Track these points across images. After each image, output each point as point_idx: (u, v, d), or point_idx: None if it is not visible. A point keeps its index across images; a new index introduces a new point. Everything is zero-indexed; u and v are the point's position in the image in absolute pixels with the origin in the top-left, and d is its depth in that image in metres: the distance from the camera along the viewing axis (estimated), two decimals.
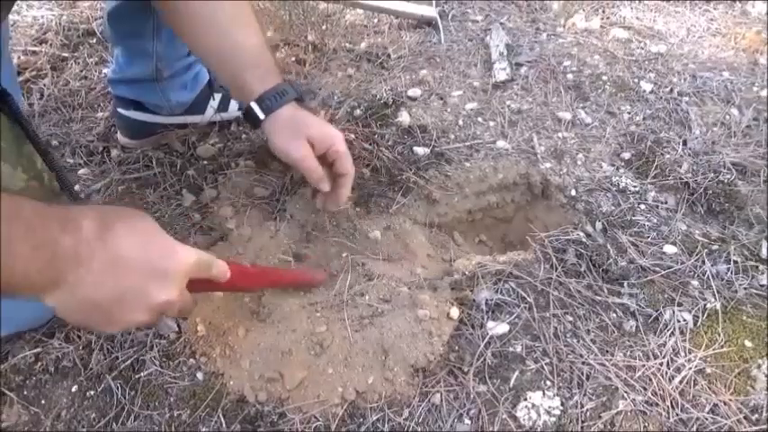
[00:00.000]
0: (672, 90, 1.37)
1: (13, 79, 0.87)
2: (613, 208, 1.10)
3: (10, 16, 1.59)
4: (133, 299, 0.57)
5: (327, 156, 0.85)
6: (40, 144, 0.71)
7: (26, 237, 0.50)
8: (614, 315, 0.92)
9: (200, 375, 0.83)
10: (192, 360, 0.84)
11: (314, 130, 0.84)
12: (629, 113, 1.30)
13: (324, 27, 1.49)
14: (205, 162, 1.16)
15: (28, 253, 0.50)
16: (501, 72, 1.36)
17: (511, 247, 1.20)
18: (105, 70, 1.39)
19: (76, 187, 1.12)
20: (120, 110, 1.16)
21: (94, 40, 1.50)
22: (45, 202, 0.54)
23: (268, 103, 0.84)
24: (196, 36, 0.86)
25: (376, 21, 1.61)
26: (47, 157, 0.72)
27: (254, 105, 0.84)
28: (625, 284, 0.96)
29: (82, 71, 1.41)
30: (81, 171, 1.16)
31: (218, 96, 1.20)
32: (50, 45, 1.47)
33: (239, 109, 0.87)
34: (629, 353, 0.88)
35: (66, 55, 1.46)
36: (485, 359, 0.85)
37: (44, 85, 1.36)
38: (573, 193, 1.13)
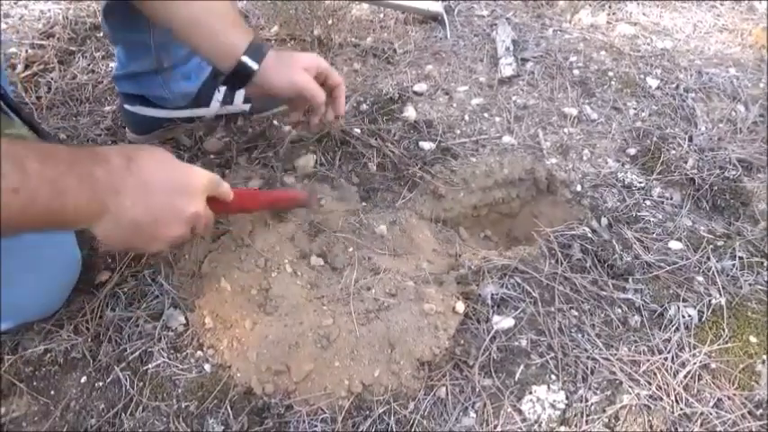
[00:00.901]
0: (678, 86, 1.37)
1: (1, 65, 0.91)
2: (619, 204, 1.10)
3: (17, 9, 1.60)
4: (167, 214, 0.66)
5: (318, 76, 0.94)
6: (13, 105, 0.76)
7: (70, 172, 0.57)
8: (619, 310, 0.93)
9: (207, 367, 0.83)
10: (199, 352, 0.85)
11: (303, 58, 0.93)
12: (635, 109, 1.30)
13: (330, 22, 1.49)
14: (212, 156, 1.16)
15: (76, 186, 0.58)
16: (507, 67, 1.36)
17: (516, 242, 1.20)
18: (112, 64, 1.40)
19: None
20: (126, 106, 1.17)
21: (101, 34, 1.50)
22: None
23: (257, 53, 0.89)
24: (167, 8, 0.88)
25: (382, 16, 1.61)
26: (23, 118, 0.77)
27: (245, 59, 0.89)
28: (630, 280, 0.97)
29: (89, 65, 1.42)
30: None
31: (222, 89, 1.21)
32: (58, 39, 1.48)
33: (225, 82, 0.92)
34: (633, 348, 0.88)
35: (73, 49, 1.46)
36: (490, 353, 0.86)
37: (51, 78, 1.36)
38: (578, 188, 1.13)
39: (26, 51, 1.44)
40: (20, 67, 1.40)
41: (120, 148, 0.66)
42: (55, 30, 1.52)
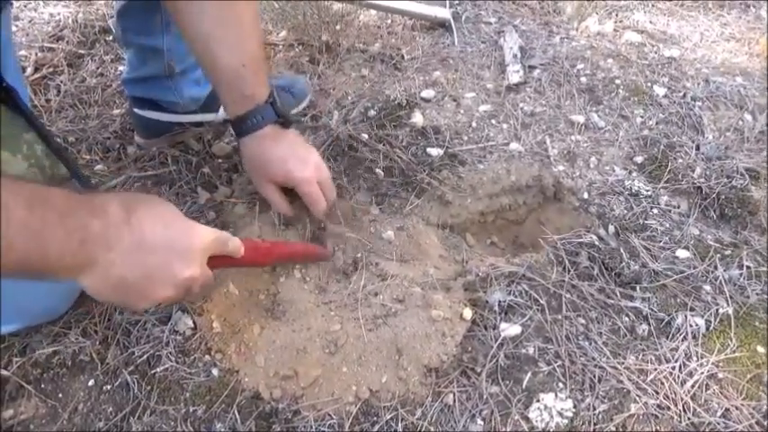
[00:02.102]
0: (685, 95, 1.37)
1: (17, 71, 0.89)
2: (626, 212, 1.10)
3: (27, 12, 1.61)
4: (160, 276, 0.62)
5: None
6: (45, 133, 0.74)
7: (60, 222, 0.54)
8: (627, 319, 0.93)
9: (215, 371, 0.84)
10: (207, 356, 0.85)
11: (277, 172, 0.89)
12: (642, 117, 1.30)
13: (338, 27, 1.49)
14: (220, 160, 1.17)
15: (62, 237, 0.54)
16: (514, 74, 1.37)
17: (522, 249, 1.20)
18: (121, 68, 1.40)
19: (92, 182, 1.13)
20: (135, 110, 1.17)
21: (111, 38, 1.51)
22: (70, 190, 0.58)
23: (239, 129, 0.88)
24: (187, 39, 0.86)
25: (389, 22, 1.62)
26: (52, 146, 0.74)
27: (232, 125, 0.89)
28: (638, 288, 0.97)
29: (98, 68, 1.42)
30: (97, 167, 1.17)
31: None
32: (67, 42, 1.49)
33: None
34: (641, 356, 0.88)
35: (82, 52, 1.47)
36: (497, 360, 0.86)
37: (61, 81, 1.37)
38: (585, 196, 1.13)
39: (35, 54, 1.45)
40: (29, 70, 1.41)
41: (122, 198, 0.62)
42: (64, 33, 1.53)
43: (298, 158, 0.90)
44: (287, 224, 1.00)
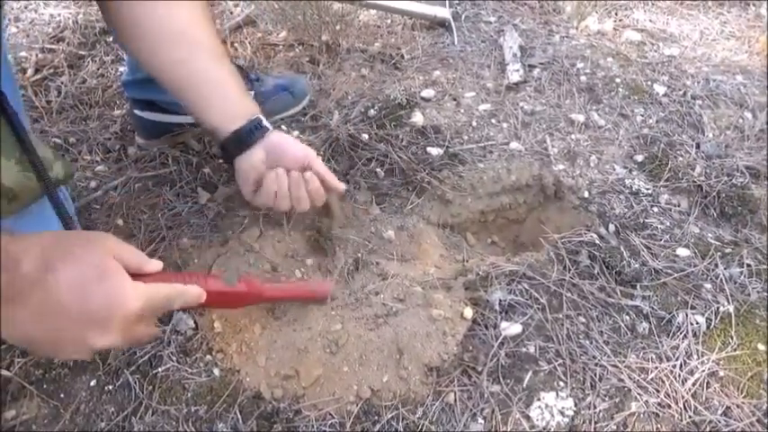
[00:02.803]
0: (685, 93, 1.37)
1: (9, 74, 0.88)
2: (626, 210, 1.10)
3: (27, 13, 1.61)
4: (70, 343, 0.57)
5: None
6: (25, 140, 0.69)
7: None
8: (627, 317, 0.93)
9: (216, 371, 0.84)
10: (208, 356, 0.85)
11: (297, 153, 0.89)
12: (643, 116, 1.30)
13: (337, 27, 1.49)
14: (220, 160, 1.17)
15: None
16: (514, 74, 1.37)
17: (523, 248, 1.20)
18: (122, 69, 1.41)
19: (93, 183, 1.14)
20: (135, 111, 1.17)
21: (111, 39, 1.51)
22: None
23: (228, 151, 0.87)
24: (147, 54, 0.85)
25: (389, 21, 1.62)
26: (29, 154, 0.70)
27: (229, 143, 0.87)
28: (638, 287, 0.97)
29: (99, 69, 1.43)
30: (98, 168, 1.18)
31: None
32: (68, 43, 1.49)
33: None
34: (641, 355, 0.88)
35: (83, 53, 1.47)
36: (498, 359, 0.86)
37: (61, 82, 1.37)
38: (586, 194, 1.13)
39: (36, 55, 1.45)
40: (30, 71, 1.41)
41: (46, 248, 0.55)
42: (65, 34, 1.53)
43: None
44: (292, 228, 1.00)
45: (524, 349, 0.88)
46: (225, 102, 0.86)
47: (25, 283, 0.53)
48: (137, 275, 0.60)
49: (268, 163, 0.87)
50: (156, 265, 0.64)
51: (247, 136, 0.86)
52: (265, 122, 0.88)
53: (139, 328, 0.60)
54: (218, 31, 0.89)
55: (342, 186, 0.94)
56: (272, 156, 0.87)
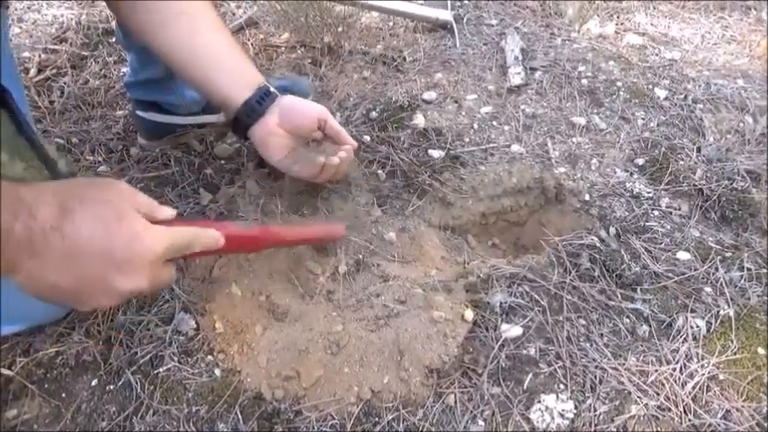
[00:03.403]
0: (686, 97, 1.38)
1: (14, 73, 0.88)
2: (627, 213, 1.11)
3: (30, 14, 1.62)
4: (96, 288, 0.55)
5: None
6: (32, 136, 0.69)
7: None
8: (627, 320, 0.93)
9: (217, 372, 0.84)
10: (209, 357, 0.85)
11: (313, 111, 0.89)
12: (644, 119, 1.31)
13: (340, 29, 1.50)
14: (222, 162, 1.17)
15: None
16: (516, 76, 1.37)
17: (524, 250, 1.21)
18: (124, 69, 1.41)
19: None
20: (138, 112, 1.18)
21: (114, 40, 1.52)
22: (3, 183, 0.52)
23: (241, 122, 0.88)
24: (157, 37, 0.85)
25: (391, 24, 1.63)
26: (37, 150, 0.70)
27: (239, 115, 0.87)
28: (638, 290, 0.97)
29: (101, 70, 1.43)
30: (100, 168, 1.18)
31: None
32: (70, 44, 1.49)
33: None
34: (642, 358, 0.88)
35: (85, 54, 1.48)
36: (499, 361, 0.86)
37: (64, 83, 1.38)
38: (587, 197, 1.14)
39: (39, 56, 1.46)
40: (33, 72, 1.41)
41: (60, 194, 0.53)
42: (68, 35, 1.53)
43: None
44: (298, 213, 1.00)
45: (525, 351, 0.88)
46: (231, 73, 0.87)
47: (42, 233, 0.51)
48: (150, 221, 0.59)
49: (283, 125, 0.88)
50: (167, 212, 0.62)
51: (258, 104, 0.86)
52: (273, 89, 0.88)
53: (162, 270, 0.59)
54: None
55: (355, 144, 0.95)
56: (286, 118, 0.88)
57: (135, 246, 0.55)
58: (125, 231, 0.55)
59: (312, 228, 0.90)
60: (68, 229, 0.52)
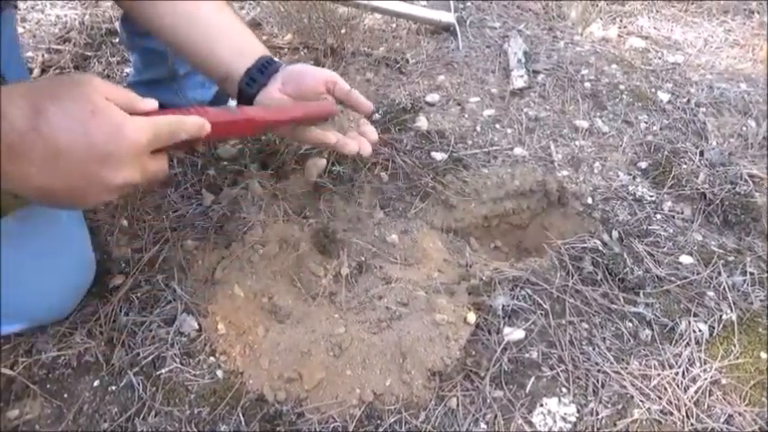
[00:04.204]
0: (689, 100, 1.38)
1: (22, 71, 0.86)
2: (630, 217, 1.11)
3: (34, 14, 1.62)
4: (88, 186, 0.54)
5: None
6: None
7: None
8: (630, 324, 0.93)
9: (219, 373, 0.84)
10: (212, 358, 0.85)
11: (323, 73, 0.83)
12: (647, 123, 1.31)
13: (343, 31, 1.50)
14: (225, 163, 1.17)
15: None
16: (519, 79, 1.37)
17: (526, 253, 1.20)
18: (127, 70, 1.41)
19: None
20: None
21: (117, 40, 1.52)
22: None
23: (245, 95, 0.83)
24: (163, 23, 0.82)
25: (394, 26, 1.63)
26: None
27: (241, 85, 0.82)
28: (641, 294, 0.97)
29: (104, 70, 1.43)
30: None
31: None
32: (74, 44, 1.49)
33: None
34: (644, 362, 0.88)
35: (89, 54, 1.48)
36: (501, 364, 0.86)
37: None
38: (589, 201, 1.14)
39: (42, 56, 1.46)
40: (36, 72, 1.41)
41: (30, 93, 0.51)
42: (71, 35, 1.53)
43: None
44: (300, 214, 1.00)
45: (527, 355, 0.88)
46: (231, 44, 0.83)
47: (20, 137, 0.49)
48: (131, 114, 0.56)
49: (288, 91, 0.81)
50: (149, 103, 0.60)
51: (259, 72, 0.82)
52: (277, 60, 0.85)
53: (152, 162, 0.57)
54: None
55: (370, 106, 0.87)
56: (292, 83, 0.81)
57: (116, 138, 0.53)
58: (104, 125, 0.52)
59: (301, 105, 0.82)
60: (45, 130, 0.50)
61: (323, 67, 1.44)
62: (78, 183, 0.53)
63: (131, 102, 0.57)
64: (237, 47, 0.84)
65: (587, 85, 1.40)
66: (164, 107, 1.20)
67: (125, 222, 1.07)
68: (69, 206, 0.57)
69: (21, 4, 1.63)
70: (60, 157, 0.51)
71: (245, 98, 0.85)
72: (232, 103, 1.18)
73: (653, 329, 0.92)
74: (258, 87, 0.82)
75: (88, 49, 1.49)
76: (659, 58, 1.52)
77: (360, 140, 0.83)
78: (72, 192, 0.54)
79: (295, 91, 0.82)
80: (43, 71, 1.41)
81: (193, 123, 0.61)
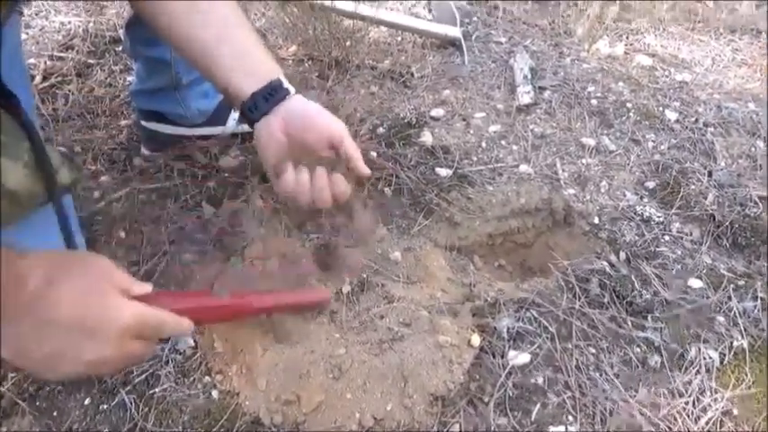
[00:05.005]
0: (697, 120, 1.36)
1: (25, 79, 0.85)
2: (637, 238, 1.08)
3: (37, 21, 1.61)
4: (66, 355, 0.58)
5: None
6: (35, 140, 0.67)
7: None
8: (638, 349, 0.90)
9: (215, 393, 0.81)
10: (207, 377, 0.83)
11: (329, 123, 0.79)
12: (654, 142, 1.29)
13: (348, 43, 1.49)
14: (226, 174, 1.15)
15: None
16: (525, 95, 1.36)
17: (530, 272, 1.18)
18: (130, 78, 1.40)
19: (96, 194, 1.12)
20: (142, 122, 1.16)
21: (120, 48, 1.51)
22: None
23: (248, 118, 0.80)
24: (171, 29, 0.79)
25: (400, 39, 1.62)
26: (38, 153, 0.67)
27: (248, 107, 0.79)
28: (649, 318, 0.94)
29: (107, 78, 1.42)
30: (102, 178, 1.16)
31: None
32: (77, 51, 1.48)
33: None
34: (653, 390, 0.85)
35: (92, 62, 1.47)
36: (506, 390, 0.83)
37: (69, 90, 1.37)
38: (596, 221, 1.11)
39: (45, 63, 1.45)
40: (38, 78, 1.40)
41: (50, 264, 0.57)
42: (74, 42, 1.52)
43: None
44: (299, 227, 0.97)
45: (532, 380, 0.85)
46: (243, 62, 0.80)
47: (29, 298, 0.55)
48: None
49: (289, 133, 0.78)
50: (143, 287, 0.65)
51: (264, 99, 0.78)
52: (287, 85, 0.81)
53: (133, 345, 0.61)
54: None
55: (368, 173, 0.84)
56: (294, 126, 0.78)
57: (105, 315, 0.58)
58: (101, 305, 0.58)
59: (295, 293, 0.87)
60: (53, 298, 0.55)
61: (328, 79, 1.43)
62: (56, 350, 0.57)
63: (129, 285, 0.63)
64: (249, 65, 0.80)
65: (594, 102, 1.38)
66: (165, 118, 1.19)
67: (122, 234, 1.05)
68: (39, 370, 0.59)
69: (25, 11, 1.62)
70: (53, 324, 0.56)
71: (247, 119, 0.83)
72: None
73: (662, 355, 0.89)
74: (260, 115, 0.80)
75: (91, 56, 1.48)
76: (667, 77, 1.51)
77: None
78: (49, 357, 0.57)
79: (296, 139, 0.79)
80: (45, 78, 1.40)
81: (178, 328, 0.66)
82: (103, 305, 0.59)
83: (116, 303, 0.59)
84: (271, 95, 0.79)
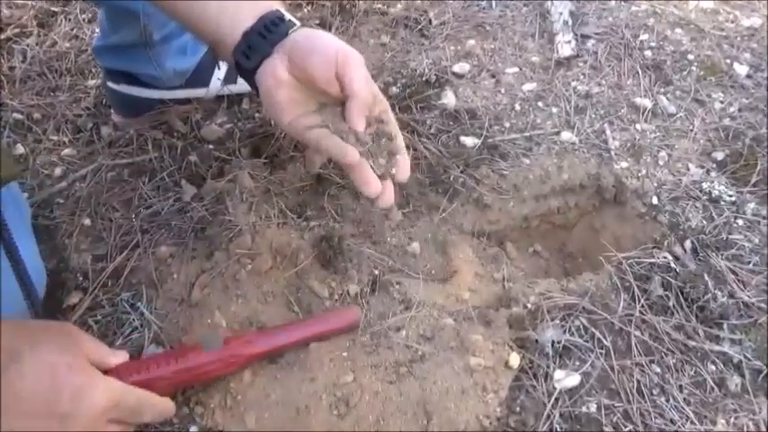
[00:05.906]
0: None
1: None
2: (705, 222, 0.90)
3: None
4: None
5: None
6: None
7: None
8: (713, 367, 0.74)
9: (193, 430, 0.66)
10: (185, 409, 0.68)
11: (334, 53, 0.60)
12: (722, 102, 1.08)
13: None
14: (210, 146, 0.97)
15: None
16: (565, 46, 1.14)
17: (570, 259, 1.01)
18: (98, 29, 1.20)
19: (58, 170, 0.95)
20: (110, 84, 0.97)
21: None
22: None
23: (242, 67, 0.63)
24: None
25: None
26: None
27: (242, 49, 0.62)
28: (725, 326, 0.77)
29: (72, 29, 1.22)
30: (65, 152, 0.99)
31: (224, 65, 1.01)
32: None
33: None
34: (733, 419, 0.70)
35: (55, 10, 1.26)
36: (552, 422, 0.67)
37: (28, 45, 1.17)
38: (654, 200, 0.93)
39: (1, 12, 1.24)
40: None
41: (12, 337, 0.51)
42: None
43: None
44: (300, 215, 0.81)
45: (584, 408, 0.69)
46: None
47: None
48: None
49: (294, 72, 0.61)
50: (120, 356, 0.60)
51: (261, 37, 0.61)
52: (288, 16, 0.63)
53: (109, 427, 0.55)
54: None
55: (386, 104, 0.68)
56: (297, 60, 0.60)
57: (79, 398, 0.52)
58: (73, 383, 0.52)
59: (313, 323, 0.71)
60: (15, 376, 0.49)
61: (331, 28, 1.21)
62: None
63: (103, 356, 0.58)
64: (236, 4, 0.62)
65: (648, 53, 1.16)
66: (136, 79, 0.96)
67: (87, 221, 0.88)
68: None
69: None
70: (20, 403, 0.50)
71: (242, 72, 0.64)
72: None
73: (743, 375, 0.73)
74: (259, 59, 0.61)
75: (54, 4, 1.27)
76: (732, 22, 1.28)
77: (385, 185, 0.64)
78: None
79: (302, 76, 0.61)
80: (0, 30, 1.20)
81: (163, 409, 0.59)
82: (77, 384, 0.52)
83: (88, 382, 0.53)
84: (269, 31, 0.61)
